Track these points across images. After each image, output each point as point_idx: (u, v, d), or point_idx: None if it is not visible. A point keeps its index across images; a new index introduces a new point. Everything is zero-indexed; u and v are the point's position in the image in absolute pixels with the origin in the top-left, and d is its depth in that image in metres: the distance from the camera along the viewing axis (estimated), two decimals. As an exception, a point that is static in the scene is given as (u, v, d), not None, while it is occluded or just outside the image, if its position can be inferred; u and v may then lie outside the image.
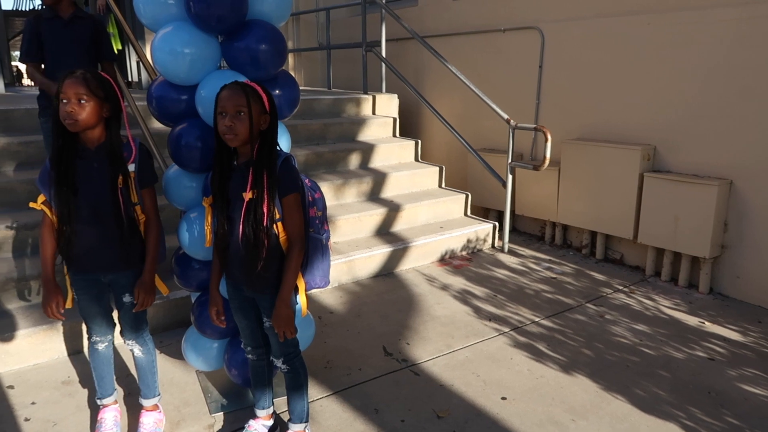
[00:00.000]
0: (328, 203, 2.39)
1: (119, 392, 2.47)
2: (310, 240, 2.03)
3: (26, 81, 14.69)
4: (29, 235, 3.18)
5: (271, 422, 2.28)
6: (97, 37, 3.08)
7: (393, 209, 4.33)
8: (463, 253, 4.45)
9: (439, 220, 4.62)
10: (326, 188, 4.25)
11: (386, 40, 5.53)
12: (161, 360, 2.76)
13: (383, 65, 5.60)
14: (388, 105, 5.55)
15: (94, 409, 2.34)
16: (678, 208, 3.73)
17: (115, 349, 2.28)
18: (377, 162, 4.94)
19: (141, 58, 3.79)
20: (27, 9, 14.61)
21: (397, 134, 5.42)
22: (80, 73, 1.88)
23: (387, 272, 4.02)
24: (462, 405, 2.48)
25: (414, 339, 3.07)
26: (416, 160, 5.20)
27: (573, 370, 2.76)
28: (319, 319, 3.29)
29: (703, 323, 3.29)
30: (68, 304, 2.08)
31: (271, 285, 1.96)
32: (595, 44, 4.27)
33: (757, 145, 3.45)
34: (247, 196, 1.85)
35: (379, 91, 5.70)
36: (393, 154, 5.04)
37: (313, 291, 3.46)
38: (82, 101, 1.86)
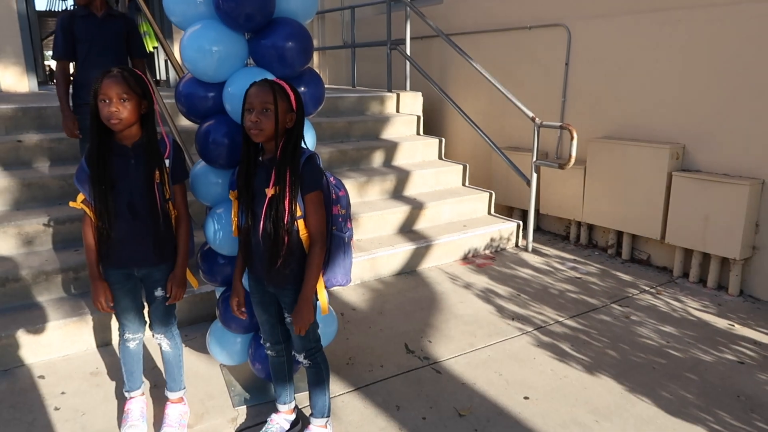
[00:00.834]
0: (351, 201, 2.40)
1: (145, 384, 2.51)
2: (333, 238, 2.04)
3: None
4: (61, 229, 3.26)
5: (293, 417, 2.30)
6: (129, 35, 3.14)
7: (416, 207, 4.33)
8: (487, 251, 4.43)
9: (462, 218, 4.60)
10: (350, 186, 4.26)
11: (411, 38, 5.52)
12: (186, 353, 2.80)
13: (408, 63, 5.59)
14: (412, 103, 5.55)
15: (121, 400, 2.39)
16: (708, 208, 3.65)
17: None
18: (401, 160, 4.94)
19: (169, 56, 3.85)
20: (59, 9, 14.93)
21: (421, 132, 5.41)
22: (117, 71, 1.91)
23: (410, 270, 4.02)
24: (484, 404, 2.47)
25: (436, 337, 3.07)
26: (440, 158, 5.18)
27: (597, 370, 2.73)
28: (342, 315, 3.31)
29: (733, 326, 3.22)
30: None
31: (291, 281, 1.98)
32: (623, 41, 4.21)
33: (791, 144, 3.37)
34: (270, 192, 1.87)
35: (404, 89, 5.69)
36: (417, 152, 5.03)
37: (336, 288, 3.47)
38: (123, 100, 1.89)
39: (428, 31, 5.44)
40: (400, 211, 4.25)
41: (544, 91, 4.85)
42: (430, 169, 4.77)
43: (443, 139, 5.23)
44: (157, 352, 2.69)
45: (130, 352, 2.26)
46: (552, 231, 5.02)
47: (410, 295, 3.63)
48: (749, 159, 3.56)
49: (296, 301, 1.96)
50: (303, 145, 1.97)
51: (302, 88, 2.25)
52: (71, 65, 3.21)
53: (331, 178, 2.08)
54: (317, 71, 2.55)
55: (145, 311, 2.26)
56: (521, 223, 4.60)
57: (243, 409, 2.43)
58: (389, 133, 5.20)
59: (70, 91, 3.16)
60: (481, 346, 2.98)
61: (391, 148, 4.88)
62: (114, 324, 2.90)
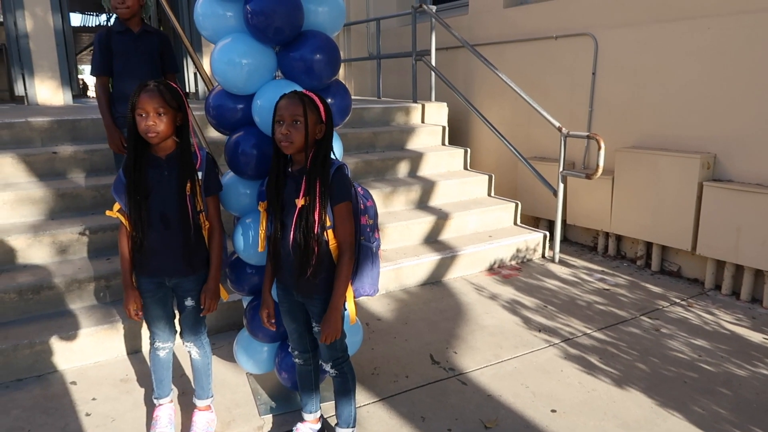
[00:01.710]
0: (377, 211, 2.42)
1: (174, 391, 2.55)
2: (361, 248, 2.05)
3: (90, 93, 15.42)
4: (94, 238, 3.34)
5: (318, 426, 2.31)
6: (163, 50, 3.22)
7: (441, 217, 4.32)
8: (513, 262, 4.39)
9: (488, 228, 4.57)
10: (375, 196, 4.26)
11: (436, 49, 5.54)
12: (213, 361, 2.82)
13: (433, 74, 5.61)
14: (437, 113, 5.56)
15: (150, 407, 2.43)
16: (740, 219, 3.57)
17: (171, 349, 2.37)
18: (426, 170, 4.94)
19: (199, 69, 3.93)
20: (93, 25, 15.36)
21: (446, 142, 5.41)
22: (153, 85, 1.96)
23: (435, 280, 4.01)
24: (510, 416, 2.45)
25: (462, 348, 3.05)
26: (465, 168, 5.17)
27: (626, 384, 2.68)
28: (367, 325, 3.31)
29: (768, 340, 3.14)
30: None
31: (319, 290, 2.00)
32: (651, 50, 4.16)
33: (828, 153, 3.28)
34: (300, 202, 1.89)
35: (429, 99, 5.71)
36: (442, 162, 5.03)
37: (361, 298, 3.49)
38: (160, 114, 1.94)
39: (453, 41, 5.46)
40: (425, 222, 4.25)
41: (571, 101, 4.81)
42: (455, 180, 4.77)
43: (468, 150, 5.22)
44: (186, 360, 2.73)
45: (160, 360, 2.30)
46: (579, 242, 4.96)
47: (435, 305, 3.61)
48: (783, 169, 3.48)
49: (325, 311, 1.98)
50: (332, 155, 1.99)
51: (330, 100, 2.28)
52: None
53: (359, 189, 2.10)
54: (343, 83, 2.58)
55: (176, 320, 2.30)
56: (548, 233, 4.56)
57: (269, 418, 2.44)
58: (414, 144, 5.22)
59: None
60: (507, 357, 2.95)
61: (416, 158, 4.89)
62: (144, 332, 2.96)
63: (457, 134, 5.94)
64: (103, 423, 2.40)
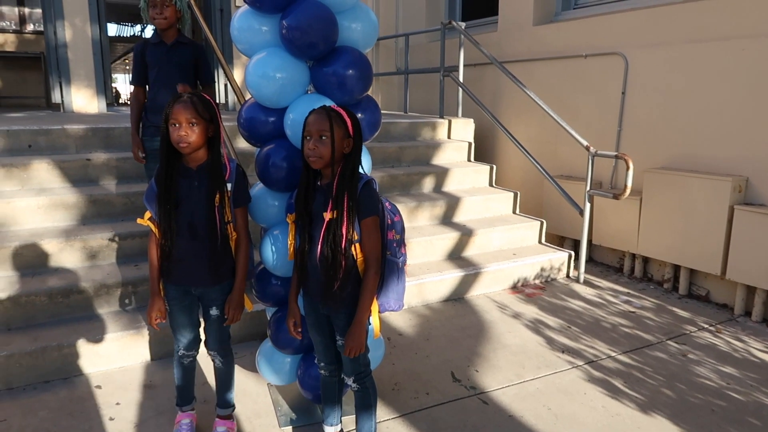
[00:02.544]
0: (401, 225, 2.42)
1: (196, 399, 2.56)
2: (387, 263, 2.05)
3: (123, 101, 15.78)
4: (123, 245, 3.40)
5: (338, 439, 2.31)
6: (198, 61, 3.29)
7: (465, 234, 4.31)
8: (537, 281, 4.35)
9: (512, 246, 4.54)
10: (400, 210, 4.28)
11: (464, 65, 5.56)
12: (235, 371, 2.84)
13: (460, 90, 5.63)
14: (463, 129, 5.56)
15: (173, 414, 2.45)
16: (772, 245, 3.49)
17: (195, 357, 2.39)
18: (451, 186, 4.94)
19: (230, 80, 4.00)
20: (129, 35, 15.76)
21: (472, 159, 5.41)
22: (187, 97, 2.01)
23: (457, 297, 3.99)
24: (532, 438, 2.41)
25: (483, 366, 3.02)
26: (491, 185, 5.16)
27: (652, 410, 2.63)
28: (388, 340, 3.31)
29: (800, 370, 3.05)
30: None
31: (345, 304, 2.00)
32: (682, 70, 4.12)
33: None
34: (328, 216, 1.91)
35: (455, 115, 5.72)
36: (467, 178, 5.03)
37: (384, 313, 3.48)
38: (192, 124, 1.98)
39: (481, 58, 5.47)
40: (449, 237, 4.24)
41: (599, 120, 4.78)
42: (480, 196, 4.75)
43: (494, 166, 5.21)
44: (209, 368, 2.75)
45: (184, 368, 2.32)
46: (605, 262, 4.90)
47: (457, 322, 3.59)
48: (819, 194, 3.40)
49: (349, 324, 1.98)
50: (360, 170, 2.00)
51: (360, 114, 2.30)
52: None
53: (387, 204, 2.11)
54: (374, 98, 2.61)
55: (201, 329, 2.32)
56: (573, 253, 4.51)
57: (289, 430, 2.45)
58: (440, 159, 5.22)
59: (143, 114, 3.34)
60: (529, 378, 2.91)
61: (441, 173, 4.89)
62: (168, 339, 2.99)
63: (483, 151, 5.93)
64: (127, 428, 2.43)
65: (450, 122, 5.52)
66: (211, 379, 2.76)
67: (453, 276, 3.95)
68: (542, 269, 4.35)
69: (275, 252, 2.31)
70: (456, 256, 4.27)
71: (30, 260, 3.20)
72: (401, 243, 2.13)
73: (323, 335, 2.16)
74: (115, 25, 15.23)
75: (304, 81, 2.29)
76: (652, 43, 4.32)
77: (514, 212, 4.92)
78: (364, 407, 2.16)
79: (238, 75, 6.23)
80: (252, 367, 2.86)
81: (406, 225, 4.25)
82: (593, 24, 4.83)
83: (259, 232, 2.56)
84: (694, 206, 3.92)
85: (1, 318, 2.91)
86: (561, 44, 5.12)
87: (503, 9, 5.84)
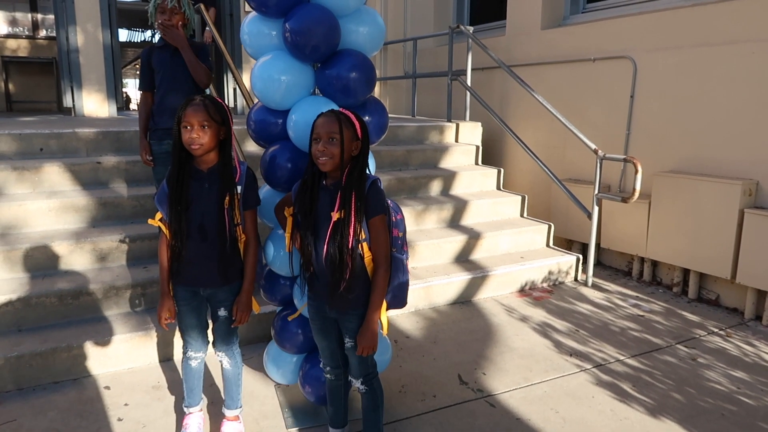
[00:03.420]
0: (408, 228, 2.43)
1: (204, 400, 2.58)
2: (393, 260, 2.06)
3: (133, 105, 15.92)
4: (132, 247, 3.43)
5: (345, 441, 2.31)
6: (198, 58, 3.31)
7: (473, 237, 4.30)
8: (544, 284, 4.34)
9: (520, 249, 4.53)
10: (407, 213, 4.29)
11: (472, 69, 5.56)
12: (243, 372, 2.86)
13: (468, 94, 5.63)
14: (471, 133, 5.56)
15: (180, 415, 2.46)
16: (783, 248, 3.46)
17: (202, 358, 2.40)
18: (458, 189, 4.94)
19: (239, 84, 4.04)
20: (139, 41, 15.90)
21: (480, 162, 5.40)
22: (199, 100, 2.03)
23: (464, 300, 3.99)
24: (539, 441, 2.40)
25: (490, 369, 3.02)
26: (498, 188, 5.15)
27: (661, 414, 2.61)
28: (395, 343, 3.30)
29: (812, 375, 3.02)
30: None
31: (353, 305, 2.01)
32: (691, 74, 4.10)
33: None
34: (335, 216, 1.92)
35: (463, 119, 5.72)
36: (475, 181, 5.03)
37: (390, 315, 3.49)
38: (204, 127, 2.01)
39: (489, 62, 5.47)
40: (457, 241, 4.24)
41: (608, 124, 4.76)
42: (487, 199, 4.75)
43: (502, 170, 5.20)
44: (217, 369, 2.77)
45: (192, 369, 2.33)
46: (613, 266, 4.87)
47: (465, 325, 3.59)
48: (830, 197, 3.37)
49: (360, 326, 1.99)
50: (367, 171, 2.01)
51: (367, 117, 2.31)
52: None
53: (390, 202, 2.12)
54: (380, 101, 2.61)
55: (209, 330, 2.34)
56: (581, 256, 4.49)
57: (295, 431, 2.45)
58: (447, 163, 5.22)
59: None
60: (537, 381, 2.90)
61: (449, 177, 4.89)
62: (176, 340, 3.01)
63: (490, 154, 5.92)
64: (135, 428, 2.45)
65: (458, 126, 5.52)
66: (218, 380, 2.77)
67: (460, 279, 3.94)
68: (550, 272, 4.34)
69: (279, 252, 2.33)
70: (463, 259, 4.27)
71: (41, 262, 3.23)
72: (404, 241, 2.14)
73: (329, 340, 2.16)
74: (126, 31, 15.38)
75: (308, 83, 2.31)
76: (661, 47, 4.31)
77: (521, 216, 4.91)
78: (373, 409, 2.17)
79: (247, 79, 6.26)
80: (259, 369, 2.87)
81: (413, 228, 4.29)
82: (602, 28, 4.82)
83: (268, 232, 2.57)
84: (703, 210, 3.90)
85: (12, 319, 2.94)
86: (569, 48, 5.12)
87: (511, 13, 5.85)
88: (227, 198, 2.08)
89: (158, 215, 2.16)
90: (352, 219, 1.90)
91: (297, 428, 2.47)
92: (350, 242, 1.91)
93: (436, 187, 4.83)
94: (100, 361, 2.89)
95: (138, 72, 3.62)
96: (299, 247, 2.08)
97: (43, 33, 9.57)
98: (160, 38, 3.23)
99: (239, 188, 2.12)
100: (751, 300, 3.76)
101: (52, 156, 3.94)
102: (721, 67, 3.91)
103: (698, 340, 3.41)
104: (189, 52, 3.07)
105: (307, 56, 2.24)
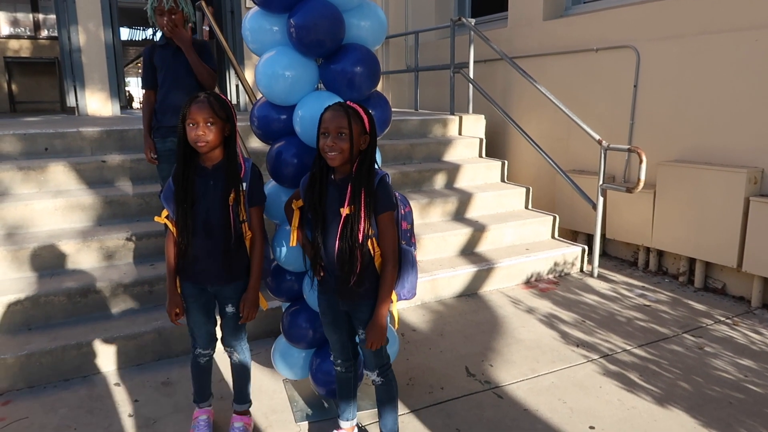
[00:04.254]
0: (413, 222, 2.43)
1: (213, 396, 2.59)
2: (402, 252, 2.06)
3: (135, 104, 15.94)
4: (139, 245, 3.45)
5: (354, 434, 2.32)
6: (201, 57, 3.31)
7: (478, 229, 4.31)
8: (550, 276, 4.34)
9: (525, 241, 4.53)
10: (412, 207, 4.28)
11: (474, 62, 5.55)
12: (252, 368, 2.87)
13: (470, 86, 5.62)
14: (474, 125, 5.56)
15: (190, 410, 2.48)
16: (789, 236, 3.45)
17: (211, 354, 2.42)
18: (463, 182, 4.94)
19: (242, 81, 4.04)
20: (140, 39, 15.89)
21: (484, 155, 5.40)
22: (204, 97, 2.03)
23: (470, 292, 3.99)
24: None
25: (497, 361, 3.03)
26: (502, 180, 5.15)
27: (668, 403, 2.61)
28: (402, 336, 3.32)
29: (819, 362, 3.02)
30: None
31: (365, 297, 2.02)
32: (695, 62, 4.08)
33: None
34: (345, 211, 1.92)
35: (466, 111, 5.71)
36: (479, 174, 5.02)
37: (397, 308, 3.48)
38: (210, 124, 2.01)
39: (492, 54, 5.46)
40: (462, 233, 4.24)
41: (611, 114, 4.75)
42: (492, 192, 4.75)
43: (506, 162, 5.20)
44: (226, 365, 2.78)
45: (200, 366, 2.35)
46: (619, 256, 4.87)
47: (471, 317, 3.60)
48: (836, 184, 3.36)
49: (371, 318, 1.99)
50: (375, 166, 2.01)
51: (371, 111, 2.31)
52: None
53: (397, 194, 2.12)
54: (384, 95, 2.61)
55: (217, 327, 2.35)
56: (586, 247, 4.49)
57: (305, 425, 2.47)
58: (451, 156, 5.22)
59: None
60: (544, 372, 2.91)
61: (453, 170, 4.89)
62: (185, 337, 3.03)
63: (494, 147, 5.92)
64: (145, 424, 2.47)
65: (461, 119, 5.51)
66: (227, 375, 2.79)
67: (466, 272, 3.95)
68: (555, 264, 4.34)
69: (286, 248, 2.33)
70: (469, 252, 4.27)
71: (48, 261, 3.25)
72: (412, 233, 2.14)
73: (340, 334, 2.17)
74: (128, 29, 15.37)
75: (312, 78, 2.31)
76: (664, 36, 4.29)
77: (526, 207, 4.91)
78: (389, 401, 2.18)
79: (249, 75, 6.27)
80: (268, 364, 2.88)
81: (418, 221, 4.29)
82: (604, 17, 4.80)
83: (275, 229, 2.58)
84: (708, 198, 3.89)
85: (21, 318, 2.96)
86: (572, 38, 5.10)
87: (513, 4, 5.82)
88: (232, 194, 2.09)
89: (164, 212, 2.17)
90: (362, 214, 1.91)
91: (306, 422, 2.49)
92: (360, 237, 1.91)
93: (440, 180, 4.83)
94: (109, 358, 2.91)
95: (140, 70, 3.63)
96: (302, 242, 2.09)
97: (44, 33, 9.59)
98: (162, 36, 3.23)
99: (244, 185, 2.13)
100: (757, 288, 3.76)
101: (56, 155, 3.96)
102: (724, 54, 3.89)
103: (705, 329, 3.41)
104: (193, 54, 3.07)
105: (312, 51, 2.24)
